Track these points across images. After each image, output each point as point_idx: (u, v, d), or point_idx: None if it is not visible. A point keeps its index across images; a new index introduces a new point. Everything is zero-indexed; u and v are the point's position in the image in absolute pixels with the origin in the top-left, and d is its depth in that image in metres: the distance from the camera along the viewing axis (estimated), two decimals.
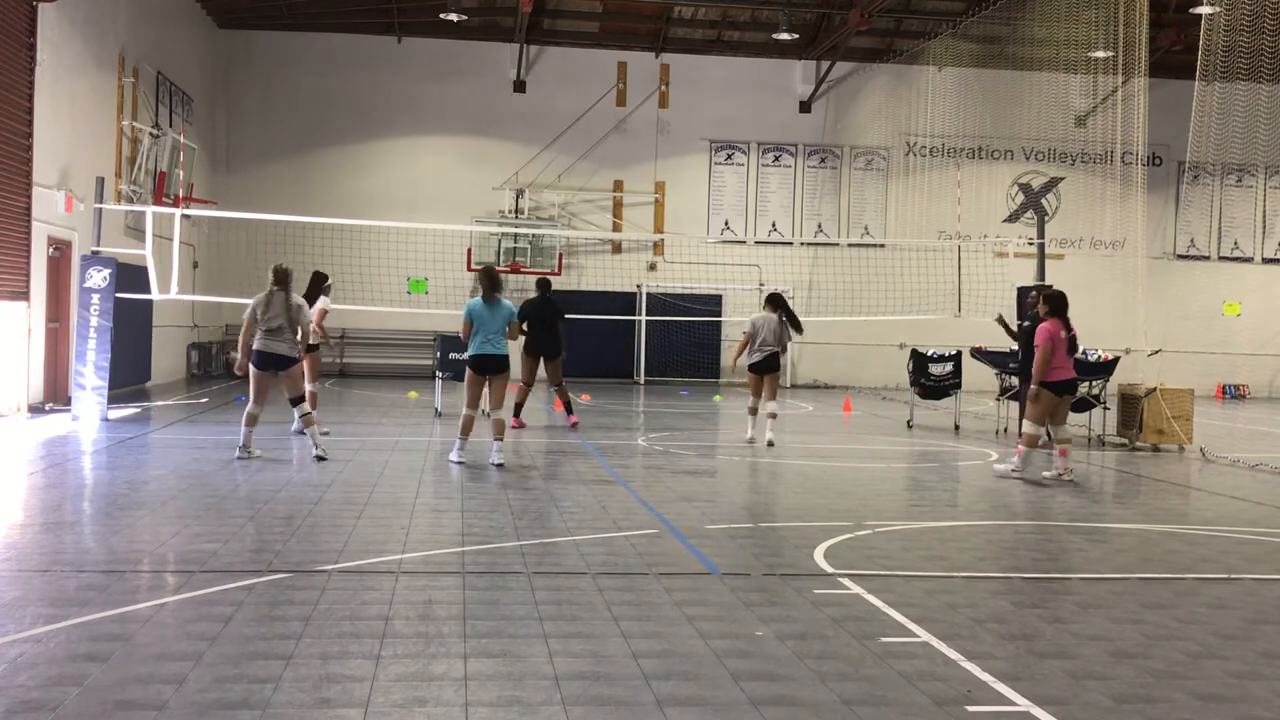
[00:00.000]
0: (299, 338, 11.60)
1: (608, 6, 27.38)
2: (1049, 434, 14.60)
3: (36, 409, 15.96)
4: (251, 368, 11.52)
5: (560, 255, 27.14)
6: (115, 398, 16.33)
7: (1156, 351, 16.33)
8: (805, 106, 28.97)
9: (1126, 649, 5.51)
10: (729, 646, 5.36)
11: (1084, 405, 15.05)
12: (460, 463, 11.46)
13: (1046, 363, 11.38)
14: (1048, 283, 16.92)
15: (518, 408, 15.59)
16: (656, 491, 10.15)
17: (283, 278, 11.60)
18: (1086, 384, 14.94)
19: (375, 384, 24.41)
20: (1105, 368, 15.13)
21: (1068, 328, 11.56)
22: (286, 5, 26.20)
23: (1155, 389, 14.79)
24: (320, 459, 11.40)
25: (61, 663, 4.89)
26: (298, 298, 11.80)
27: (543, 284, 16.15)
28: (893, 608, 6.11)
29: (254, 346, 11.49)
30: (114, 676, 4.72)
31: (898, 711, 4.56)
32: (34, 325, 16.26)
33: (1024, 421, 11.89)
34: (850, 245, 27.78)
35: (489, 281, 11.54)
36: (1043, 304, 11.93)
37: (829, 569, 7.07)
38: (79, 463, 11.38)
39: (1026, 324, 15.64)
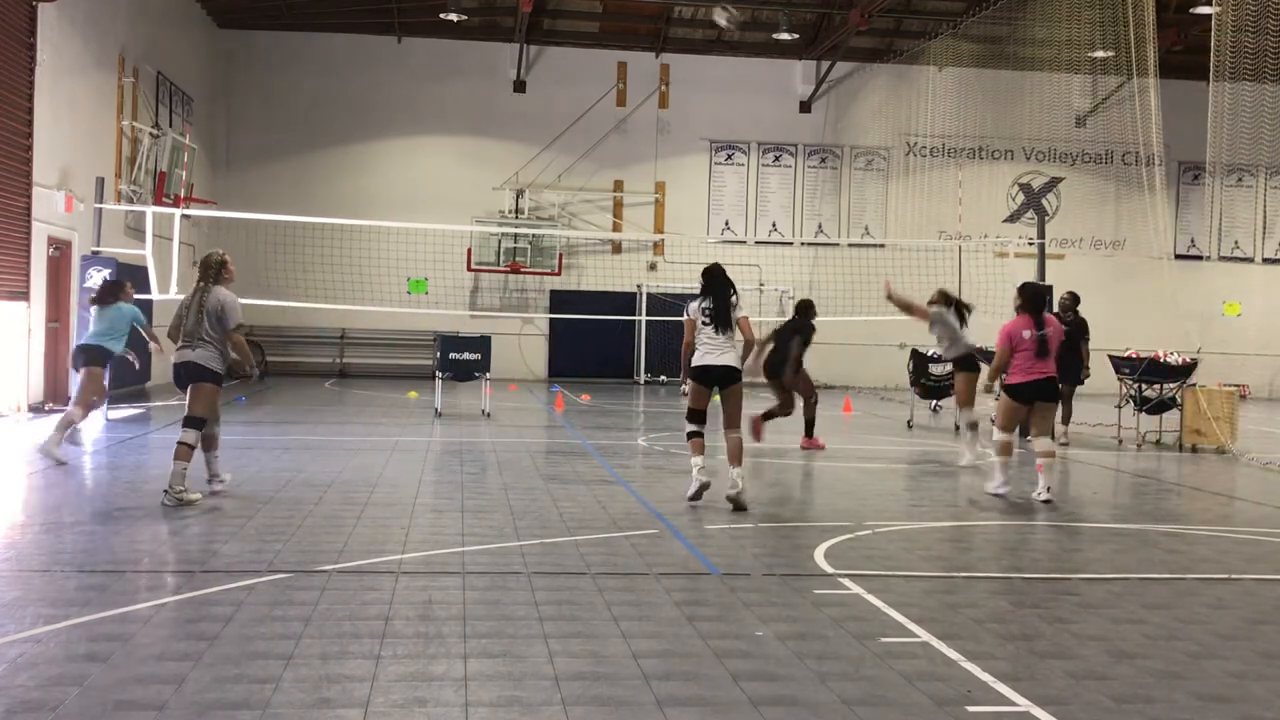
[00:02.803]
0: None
1: (608, 6, 27.39)
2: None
3: (36, 409, 15.96)
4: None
5: (560, 255, 27.15)
6: (115, 398, 16.31)
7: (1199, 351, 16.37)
8: (805, 106, 28.97)
9: (1127, 649, 5.51)
10: (729, 646, 5.35)
11: (1162, 407, 15.08)
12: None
13: (1002, 364, 10.17)
14: (1048, 283, 16.93)
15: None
16: (656, 491, 10.15)
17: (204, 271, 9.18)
18: (1158, 387, 14.99)
19: (375, 384, 24.41)
20: (1183, 371, 15.05)
21: (1039, 326, 10.13)
22: (286, 5, 26.20)
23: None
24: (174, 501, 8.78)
25: (61, 663, 4.88)
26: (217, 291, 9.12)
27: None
28: (893, 608, 6.10)
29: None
30: (114, 676, 4.72)
31: (898, 711, 4.56)
32: (34, 325, 16.26)
33: (994, 430, 10.49)
34: (850, 245, 27.77)
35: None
36: (1016, 295, 10.44)
37: (829, 569, 7.06)
38: (79, 463, 11.36)
39: (1065, 328, 15.62)
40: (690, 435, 9.39)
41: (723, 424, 9.35)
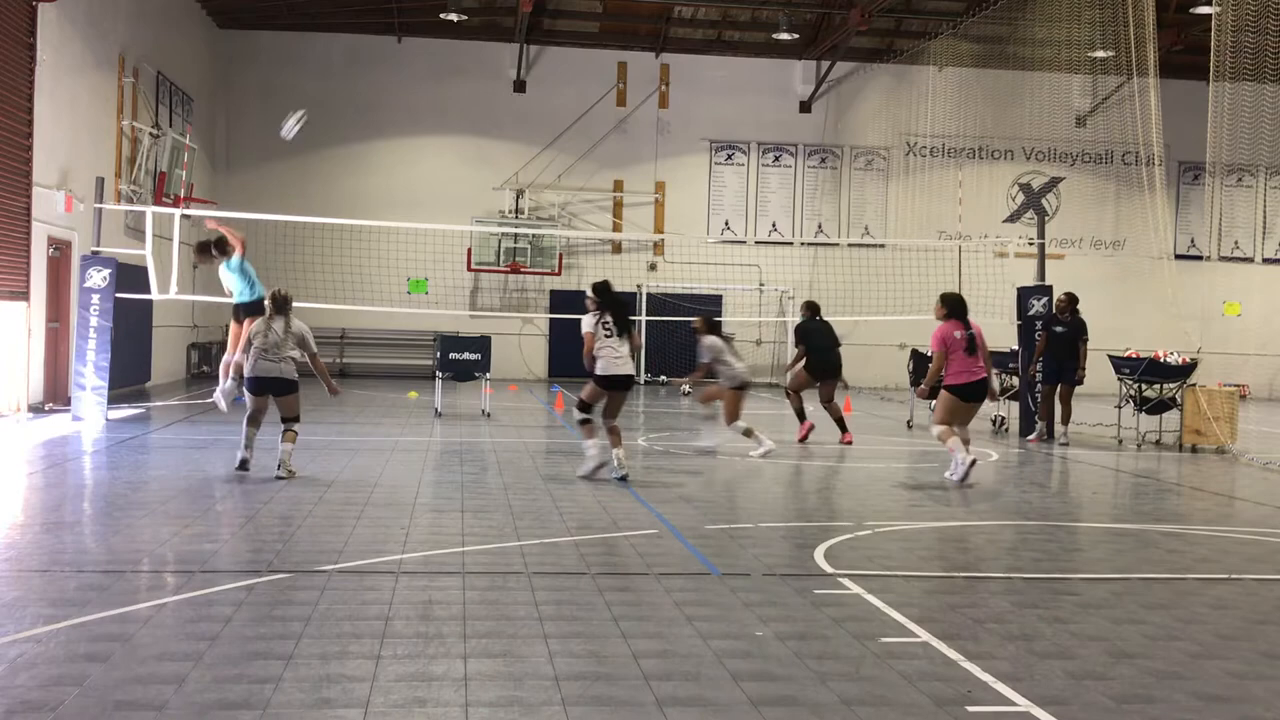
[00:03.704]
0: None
1: (608, 6, 27.38)
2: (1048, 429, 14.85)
3: (36, 409, 15.96)
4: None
5: (560, 255, 27.15)
6: (115, 398, 16.32)
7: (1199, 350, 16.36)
8: (805, 106, 28.97)
9: (1127, 649, 5.51)
10: (729, 646, 5.35)
11: (1162, 407, 15.06)
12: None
13: (940, 367, 11.19)
14: (1048, 282, 16.94)
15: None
16: (656, 491, 10.15)
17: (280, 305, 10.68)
18: (1158, 387, 15.00)
19: (375, 384, 24.40)
20: (1183, 371, 15.04)
21: (966, 327, 11.20)
22: (286, 5, 26.20)
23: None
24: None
25: (61, 663, 4.88)
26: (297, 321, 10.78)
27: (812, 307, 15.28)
28: (893, 608, 6.10)
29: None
30: (114, 676, 4.72)
31: (898, 711, 4.56)
32: (34, 325, 16.25)
33: (933, 426, 11.32)
34: (850, 245, 27.77)
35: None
36: (940, 306, 11.45)
37: (829, 569, 7.06)
38: (79, 463, 11.37)
39: (1062, 329, 15.66)
40: (583, 422, 10.77)
41: (606, 415, 10.76)
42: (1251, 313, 29.37)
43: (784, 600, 6.28)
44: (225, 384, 12.80)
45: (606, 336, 10.58)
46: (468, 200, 26.98)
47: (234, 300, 13.20)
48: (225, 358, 13.32)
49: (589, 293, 10.84)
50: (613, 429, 10.75)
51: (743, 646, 5.37)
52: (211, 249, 13.25)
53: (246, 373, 10.52)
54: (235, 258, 13.07)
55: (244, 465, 10.41)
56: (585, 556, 7.28)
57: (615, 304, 10.74)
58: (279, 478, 10.13)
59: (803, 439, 14.59)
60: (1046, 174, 29.72)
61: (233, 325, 13.29)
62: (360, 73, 27.44)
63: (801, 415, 14.81)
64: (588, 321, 10.62)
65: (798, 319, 15.52)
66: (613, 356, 10.56)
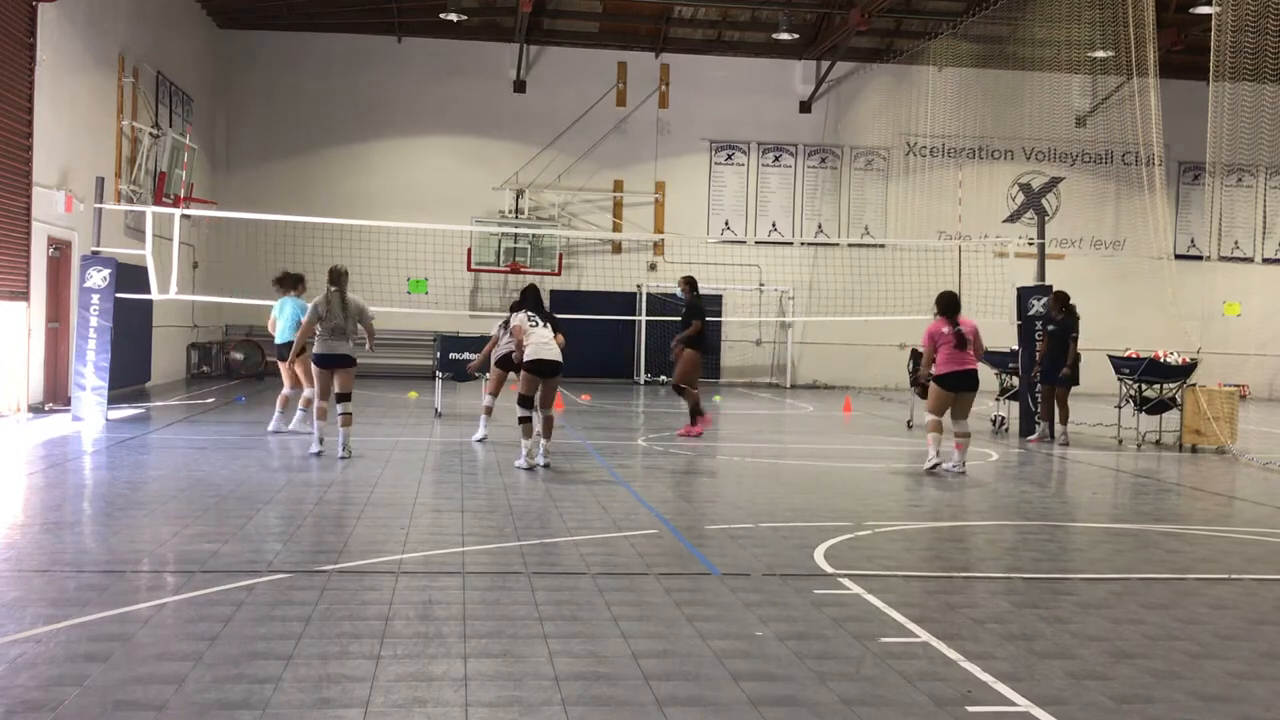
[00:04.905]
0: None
1: (608, 6, 27.39)
2: (1046, 425, 14.94)
3: (36, 409, 15.95)
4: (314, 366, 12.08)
5: (560, 255, 27.14)
6: (115, 398, 16.31)
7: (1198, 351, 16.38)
8: (805, 106, 28.97)
9: (1127, 649, 5.51)
10: (729, 646, 5.35)
11: (1162, 407, 15.07)
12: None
13: (930, 360, 11.93)
14: (1048, 282, 16.94)
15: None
16: (656, 491, 10.15)
17: (337, 278, 12.07)
18: (1158, 387, 15.04)
19: (375, 384, 24.39)
20: (1183, 371, 15.05)
21: (954, 325, 11.92)
22: (286, 5, 26.20)
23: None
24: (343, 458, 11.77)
25: (61, 663, 4.88)
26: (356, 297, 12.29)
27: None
28: (893, 608, 6.10)
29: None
30: (114, 676, 4.72)
31: (898, 711, 4.56)
32: (34, 325, 16.25)
33: (925, 414, 12.11)
34: (850, 245, 27.77)
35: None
36: (934, 305, 12.23)
37: (829, 569, 7.07)
38: (79, 463, 11.37)
39: (1053, 327, 15.69)
40: (523, 420, 11.39)
41: (541, 404, 11.42)
42: (1251, 313, 29.35)
43: (784, 600, 6.28)
44: (305, 416, 13.79)
45: (533, 327, 11.47)
46: (468, 200, 26.97)
47: (278, 340, 14.30)
48: (287, 391, 14.29)
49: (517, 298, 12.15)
50: (547, 419, 11.51)
51: (743, 646, 5.37)
52: (296, 282, 14.45)
53: (316, 350, 11.84)
54: (298, 299, 14.24)
55: (319, 451, 11.77)
56: (585, 556, 7.28)
57: (536, 303, 11.87)
58: (342, 458, 11.53)
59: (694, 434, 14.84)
60: (1046, 174, 29.72)
61: (282, 365, 14.28)
62: (360, 73, 27.43)
63: (699, 409, 15.04)
64: (517, 316, 11.69)
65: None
66: (540, 343, 11.33)
